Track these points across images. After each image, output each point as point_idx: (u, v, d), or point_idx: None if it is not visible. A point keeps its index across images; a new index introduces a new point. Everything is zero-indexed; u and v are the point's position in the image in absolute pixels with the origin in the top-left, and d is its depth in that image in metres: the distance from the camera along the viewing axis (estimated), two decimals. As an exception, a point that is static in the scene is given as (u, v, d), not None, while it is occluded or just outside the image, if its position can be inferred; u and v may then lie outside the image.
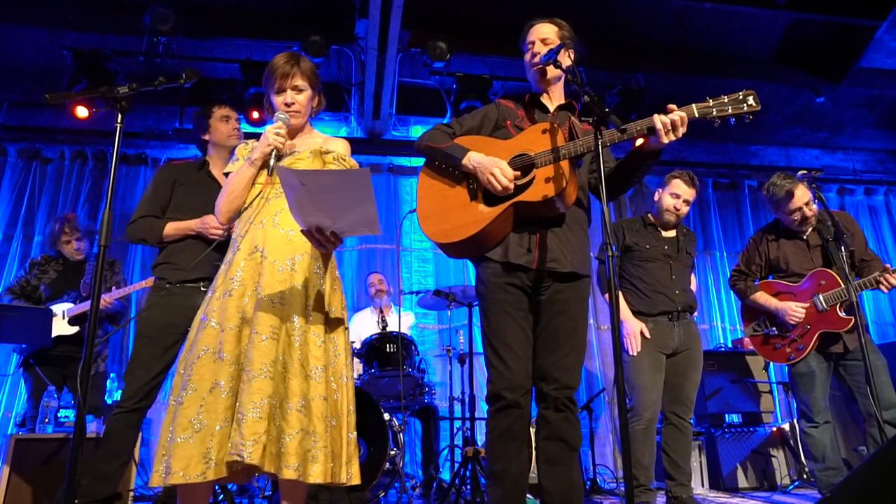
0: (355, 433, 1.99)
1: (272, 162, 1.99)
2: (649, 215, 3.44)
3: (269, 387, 1.78)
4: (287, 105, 2.10)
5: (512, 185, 2.03)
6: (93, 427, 3.25)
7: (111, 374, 4.13)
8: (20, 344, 3.73)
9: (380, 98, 5.36)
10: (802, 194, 3.24)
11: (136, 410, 2.58)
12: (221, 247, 2.80)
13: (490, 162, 2.05)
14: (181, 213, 2.79)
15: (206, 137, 2.97)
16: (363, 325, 4.69)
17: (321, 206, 1.75)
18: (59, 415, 3.30)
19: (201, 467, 1.72)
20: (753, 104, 1.95)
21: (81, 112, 5.06)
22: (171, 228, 2.76)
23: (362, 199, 1.71)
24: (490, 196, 2.09)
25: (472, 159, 2.09)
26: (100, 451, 2.51)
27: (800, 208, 3.27)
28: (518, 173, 2.05)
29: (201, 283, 2.70)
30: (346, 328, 2.09)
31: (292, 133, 2.17)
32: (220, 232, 2.71)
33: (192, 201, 2.80)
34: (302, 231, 1.85)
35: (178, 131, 5.56)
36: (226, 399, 1.79)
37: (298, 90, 2.12)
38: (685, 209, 3.36)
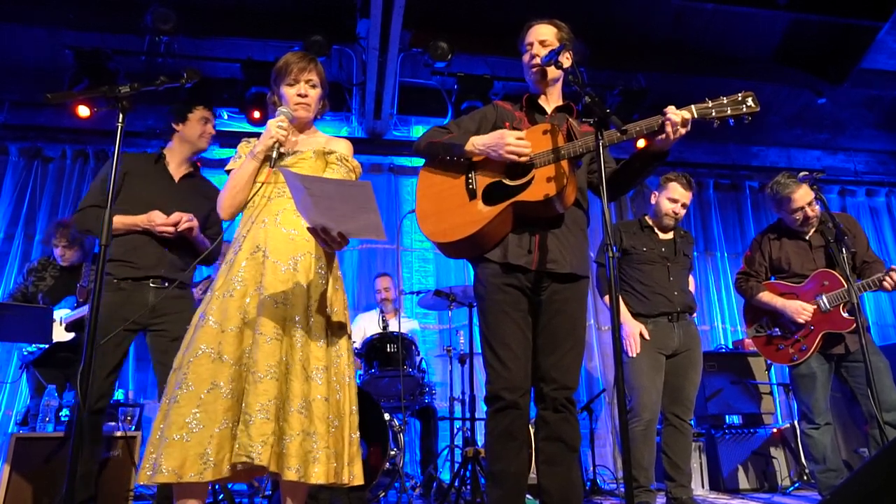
0: (358, 433, 1.98)
1: (274, 154, 1.98)
2: (646, 218, 3.44)
3: (275, 388, 1.78)
4: (301, 96, 2.10)
5: (527, 148, 2.02)
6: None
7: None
8: (21, 342, 3.73)
9: (381, 98, 5.36)
10: (805, 194, 3.24)
11: (99, 411, 2.58)
12: (187, 248, 2.78)
13: (496, 138, 2.05)
14: (131, 205, 2.72)
15: (178, 128, 2.89)
16: (367, 326, 4.68)
17: (325, 210, 1.75)
18: (60, 414, 3.30)
19: (198, 467, 1.71)
20: (752, 105, 1.95)
21: (83, 111, 5.06)
22: (117, 222, 2.68)
23: (365, 209, 1.71)
24: (489, 196, 2.10)
25: (476, 143, 2.09)
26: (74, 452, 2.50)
27: (802, 208, 3.26)
28: (529, 151, 2.04)
29: (150, 280, 2.68)
30: (349, 329, 2.08)
31: (298, 128, 2.17)
32: (171, 230, 2.69)
33: (143, 193, 2.75)
34: (308, 228, 1.84)
35: (180, 131, 5.55)
36: (226, 400, 1.77)
37: (312, 85, 2.13)
38: (683, 212, 3.36)
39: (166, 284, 2.73)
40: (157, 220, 2.68)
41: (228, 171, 2.10)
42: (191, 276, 2.90)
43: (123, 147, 2.00)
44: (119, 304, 2.61)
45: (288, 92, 2.11)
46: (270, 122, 2.03)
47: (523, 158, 2.03)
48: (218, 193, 3.00)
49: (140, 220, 2.70)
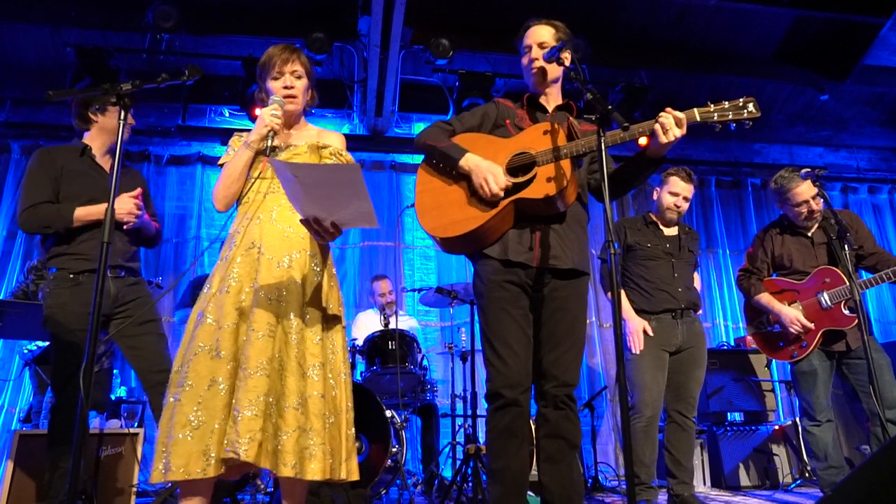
0: (353, 429, 1.99)
1: (269, 142, 1.97)
2: (650, 214, 3.44)
3: (266, 384, 1.77)
4: (286, 88, 2.08)
5: (501, 194, 2.03)
6: (96, 423, 3.26)
7: (114, 371, 4.15)
8: (23, 340, 3.74)
9: (382, 95, 5.35)
10: (809, 187, 3.24)
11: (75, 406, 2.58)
12: (132, 235, 2.78)
13: (486, 167, 2.06)
14: (72, 200, 2.67)
15: (96, 119, 2.84)
16: (367, 324, 4.67)
17: (316, 198, 1.74)
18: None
19: (202, 464, 1.71)
20: (753, 111, 1.98)
21: (84, 109, 5.06)
22: (82, 214, 2.62)
23: (355, 194, 1.70)
24: (490, 193, 2.09)
25: (470, 161, 2.09)
26: (55, 451, 2.50)
27: (806, 201, 3.26)
28: (509, 184, 2.05)
29: (108, 271, 2.62)
30: (344, 325, 2.08)
31: (287, 122, 2.14)
32: (133, 219, 2.68)
33: (80, 189, 2.69)
34: (300, 221, 1.84)
35: (181, 128, 5.57)
36: (224, 397, 1.78)
37: (297, 76, 2.11)
38: (685, 206, 3.36)
39: (123, 273, 2.73)
40: (125, 206, 2.65)
41: (222, 165, 2.09)
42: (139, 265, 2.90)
43: (125, 145, 2.00)
44: (83, 298, 2.56)
45: (273, 85, 2.10)
46: (263, 110, 2.02)
47: (486, 196, 2.04)
48: (141, 179, 2.98)
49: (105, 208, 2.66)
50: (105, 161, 2.86)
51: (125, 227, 2.71)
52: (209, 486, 1.86)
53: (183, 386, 1.79)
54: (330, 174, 1.71)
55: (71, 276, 2.63)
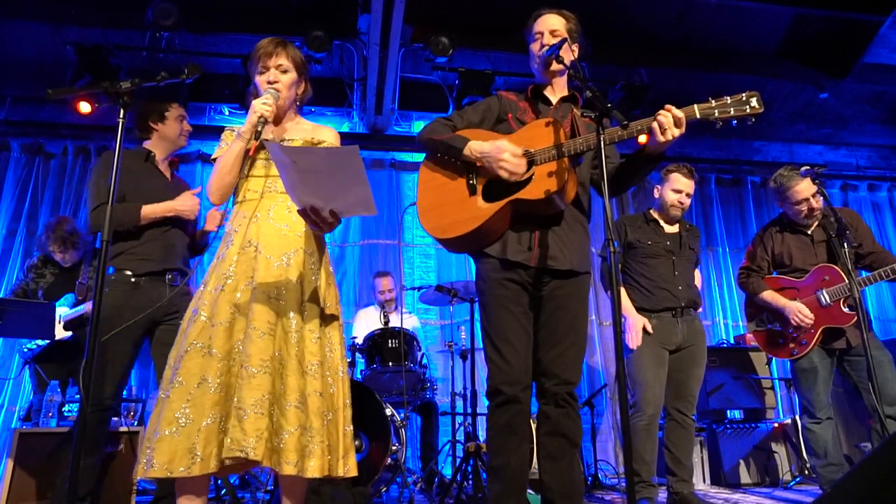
0: (351, 427, 1.99)
1: (260, 129, 1.95)
2: (651, 211, 3.44)
3: (269, 383, 1.78)
4: (269, 83, 2.06)
5: (524, 168, 2.01)
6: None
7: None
8: (24, 338, 3.74)
9: (382, 93, 5.35)
10: (809, 185, 3.24)
11: (110, 408, 2.59)
12: (188, 242, 2.90)
13: (495, 149, 2.03)
14: (134, 201, 2.74)
15: (156, 127, 2.94)
16: (368, 321, 4.67)
17: (313, 185, 1.71)
18: (63, 409, 3.31)
19: (186, 462, 1.70)
20: (756, 106, 1.91)
21: (84, 107, 5.06)
22: (148, 211, 2.71)
23: (354, 179, 1.67)
24: (489, 192, 2.09)
25: (474, 149, 2.07)
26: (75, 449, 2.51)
27: (806, 199, 3.26)
28: (526, 159, 2.03)
29: (168, 274, 2.72)
30: (341, 323, 2.08)
31: (277, 118, 2.12)
32: (194, 215, 2.81)
33: (142, 191, 2.77)
34: (298, 212, 1.82)
35: (181, 126, 5.56)
36: (214, 395, 1.77)
37: (283, 70, 2.09)
38: (688, 202, 3.36)
39: (178, 282, 2.78)
40: (188, 203, 2.80)
41: (215, 160, 2.07)
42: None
43: (125, 143, 2.01)
44: (136, 302, 2.59)
45: (259, 80, 2.09)
46: (255, 101, 2.01)
47: (513, 178, 2.02)
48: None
49: (175, 205, 2.78)
50: (165, 167, 2.97)
51: (189, 219, 2.85)
52: (204, 484, 1.86)
53: (173, 382, 1.78)
54: (327, 158, 1.68)
55: (132, 279, 2.66)
